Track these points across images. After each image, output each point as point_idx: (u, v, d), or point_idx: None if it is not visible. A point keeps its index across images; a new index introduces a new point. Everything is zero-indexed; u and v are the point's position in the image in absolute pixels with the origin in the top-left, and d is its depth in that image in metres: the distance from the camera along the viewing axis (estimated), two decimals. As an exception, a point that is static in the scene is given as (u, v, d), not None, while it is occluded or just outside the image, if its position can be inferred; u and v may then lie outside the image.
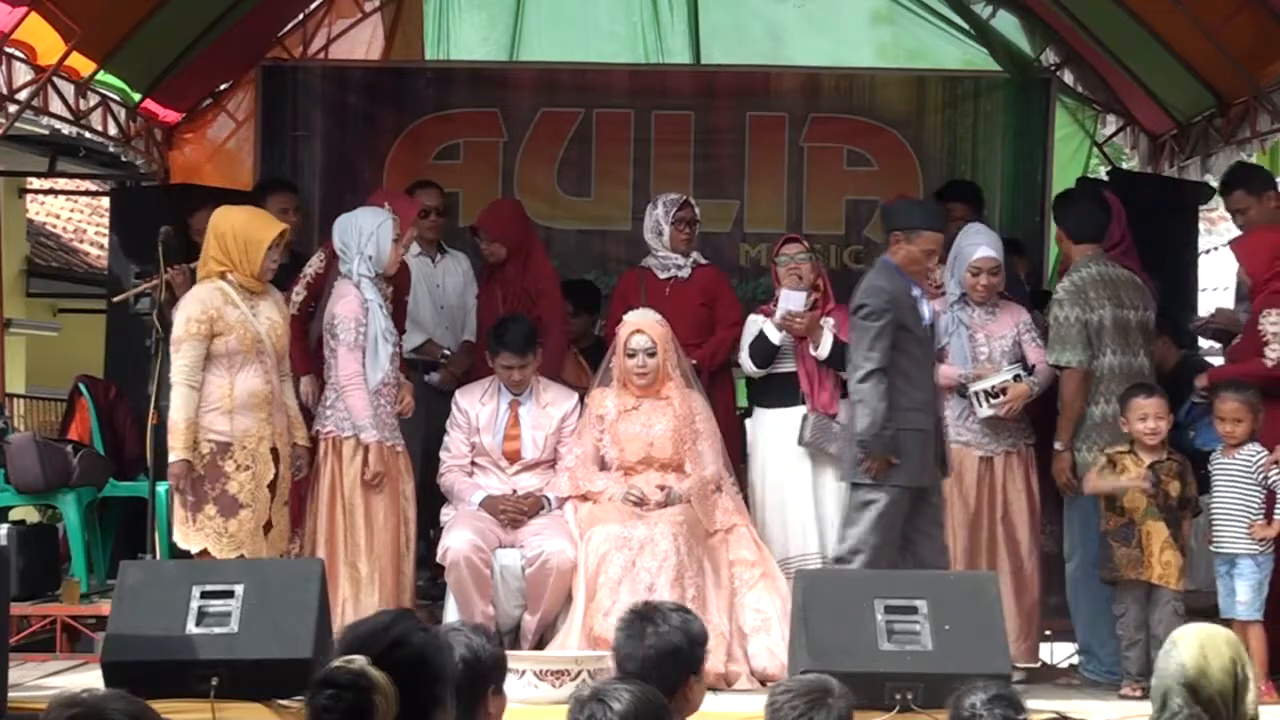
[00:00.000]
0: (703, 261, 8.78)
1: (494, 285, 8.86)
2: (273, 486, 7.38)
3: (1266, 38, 9.02)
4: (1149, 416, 7.47)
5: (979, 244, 8.00)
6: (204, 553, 7.25)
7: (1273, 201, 8.39)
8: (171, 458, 7.27)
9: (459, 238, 9.66)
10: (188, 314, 7.32)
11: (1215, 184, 10.14)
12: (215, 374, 7.32)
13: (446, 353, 8.92)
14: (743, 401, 8.96)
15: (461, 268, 9.15)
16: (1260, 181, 8.59)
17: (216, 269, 7.43)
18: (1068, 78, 11.21)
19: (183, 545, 7.32)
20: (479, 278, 9.09)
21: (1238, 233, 8.41)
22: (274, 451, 7.40)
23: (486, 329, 8.57)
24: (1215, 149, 10.24)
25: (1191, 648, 4.03)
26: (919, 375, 7.45)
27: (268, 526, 7.36)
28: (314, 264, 8.23)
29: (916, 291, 7.50)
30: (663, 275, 8.67)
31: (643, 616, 4.47)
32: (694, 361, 8.34)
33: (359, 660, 3.41)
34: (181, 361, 7.30)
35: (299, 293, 8.15)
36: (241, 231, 7.43)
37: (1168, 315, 8.70)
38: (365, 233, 7.87)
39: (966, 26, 11.16)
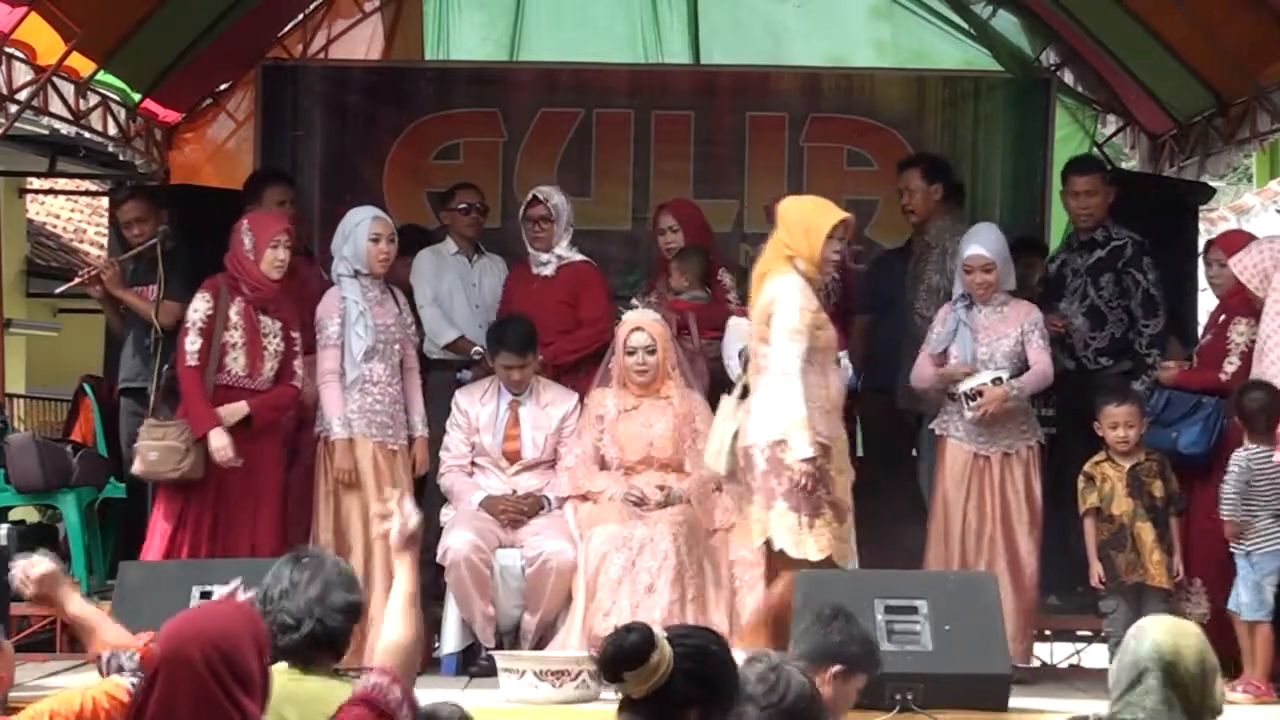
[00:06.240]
0: (574, 258, 8.62)
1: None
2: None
3: (1266, 38, 9.02)
4: (1119, 425, 7.52)
5: (971, 242, 7.96)
6: (828, 560, 6.90)
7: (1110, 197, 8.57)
8: (799, 454, 6.81)
9: (492, 241, 9.51)
10: (799, 304, 6.96)
11: (1214, 184, 10.20)
12: (815, 371, 6.99)
13: (479, 350, 8.70)
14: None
15: (497, 269, 9.09)
16: (1110, 172, 8.92)
17: (786, 254, 7.08)
18: (1068, 78, 11.21)
19: (796, 554, 6.89)
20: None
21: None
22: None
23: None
24: (1215, 149, 10.25)
25: (1164, 633, 4.01)
26: None
27: None
28: (201, 308, 7.69)
29: None
30: (534, 270, 8.62)
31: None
32: (541, 358, 8.30)
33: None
34: (797, 350, 6.90)
35: (194, 341, 7.64)
36: (802, 217, 7.11)
37: (1170, 315, 8.75)
38: (344, 231, 7.94)
39: (966, 26, 11.15)
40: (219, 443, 7.59)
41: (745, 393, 7.16)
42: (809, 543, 6.92)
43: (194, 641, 3.35)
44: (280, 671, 4.27)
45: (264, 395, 7.76)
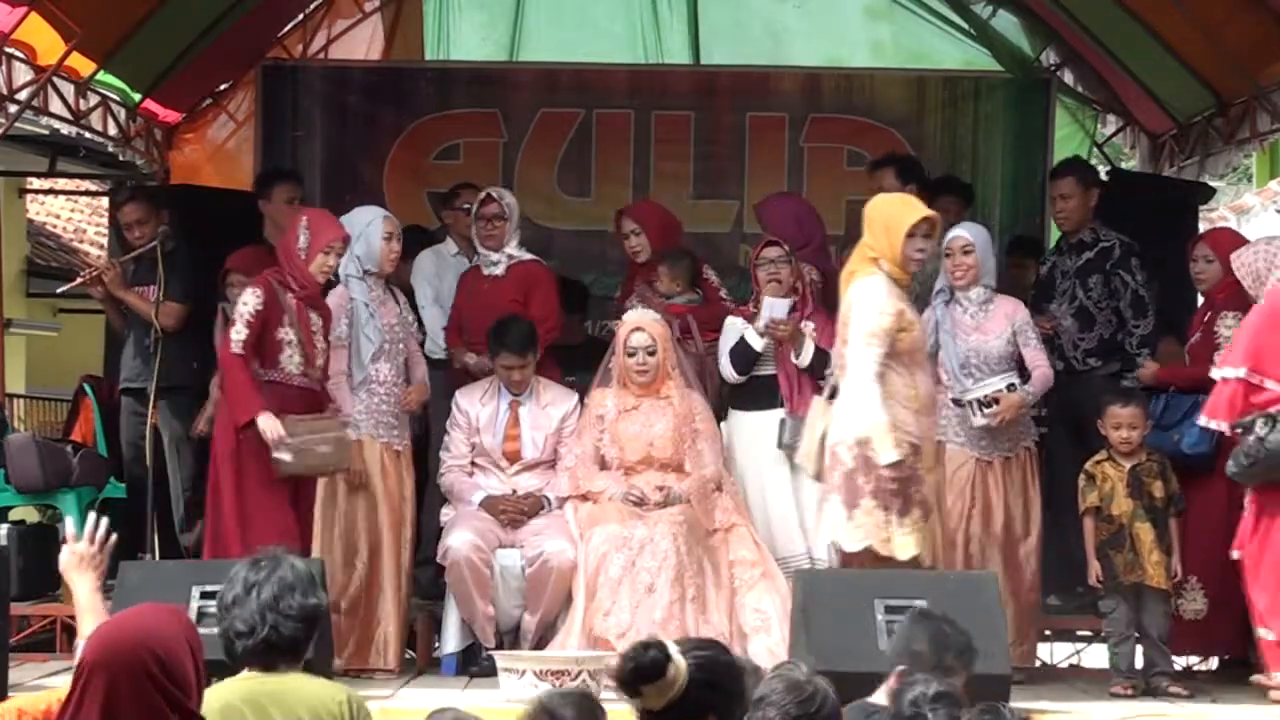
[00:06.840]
0: (524, 257, 8.59)
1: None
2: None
3: (1266, 38, 9.03)
4: (1123, 425, 7.52)
5: (952, 231, 7.92)
6: (914, 560, 6.92)
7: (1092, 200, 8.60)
8: (885, 459, 6.81)
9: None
10: (879, 307, 6.94)
11: (1214, 184, 10.18)
12: (900, 372, 6.98)
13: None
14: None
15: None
16: (1091, 176, 8.88)
17: (870, 255, 7.07)
18: (1068, 78, 11.21)
19: (883, 553, 6.86)
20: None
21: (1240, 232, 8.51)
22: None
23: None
24: (1215, 149, 10.26)
25: None
26: None
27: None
28: (251, 302, 7.37)
29: None
30: (485, 271, 8.59)
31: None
32: None
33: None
34: (874, 355, 6.90)
35: (240, 331, 7.33)
36: (884, 217, 7.10)
37: (1171, 315, 8.75)
38: (355, 230, 7.89)
39: (966, 26, 11.16)
40: (268, 424, 7.22)
41: (834, 394, 7.14)
42: (898, 541, 6.87)
43: (127, 644, 3.32)
44: (246, 678, 4.21)
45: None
